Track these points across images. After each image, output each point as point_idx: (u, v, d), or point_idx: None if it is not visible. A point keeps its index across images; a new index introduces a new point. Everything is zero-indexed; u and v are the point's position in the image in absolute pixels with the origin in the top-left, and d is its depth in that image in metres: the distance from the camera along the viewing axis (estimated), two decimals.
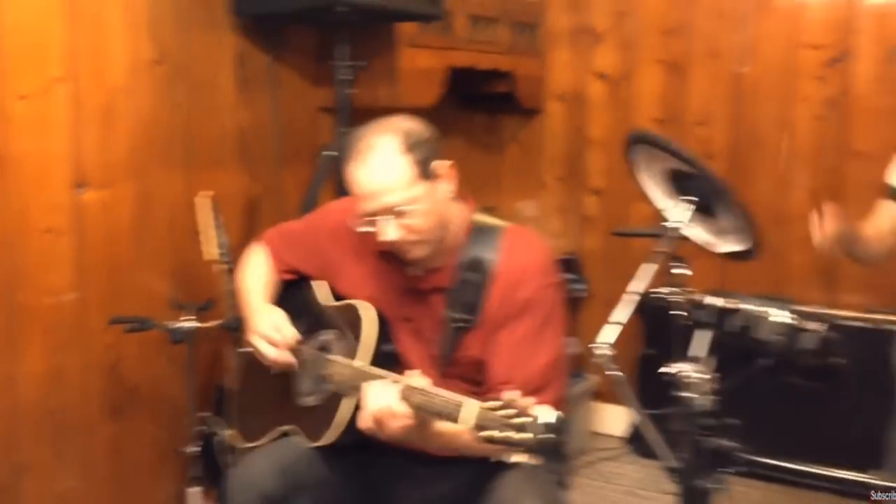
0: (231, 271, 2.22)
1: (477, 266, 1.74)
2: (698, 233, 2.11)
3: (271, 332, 1.81)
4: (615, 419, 3.50)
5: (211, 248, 2.25)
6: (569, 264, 3.57)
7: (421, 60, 2.90)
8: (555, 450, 1.34)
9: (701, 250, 3.10)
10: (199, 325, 2.23)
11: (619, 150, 3.47)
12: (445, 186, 1.74)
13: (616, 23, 3.51)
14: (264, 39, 2.73)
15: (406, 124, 1.72)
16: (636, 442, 3.39)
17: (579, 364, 3.54)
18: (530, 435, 1.34)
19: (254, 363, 1.94)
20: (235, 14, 2.61)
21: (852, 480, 1.82)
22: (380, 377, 1.63)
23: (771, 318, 1.87)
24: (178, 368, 2.39)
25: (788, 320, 1.88)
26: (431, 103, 3.00)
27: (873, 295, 3.07)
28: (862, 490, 1.84)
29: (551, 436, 1.34)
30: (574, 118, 3.65)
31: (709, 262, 3.35)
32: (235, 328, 2.10)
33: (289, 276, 2.00)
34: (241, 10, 2.61)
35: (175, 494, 2.49)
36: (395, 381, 1.59)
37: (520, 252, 1.77)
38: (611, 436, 3.55)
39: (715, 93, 3.34)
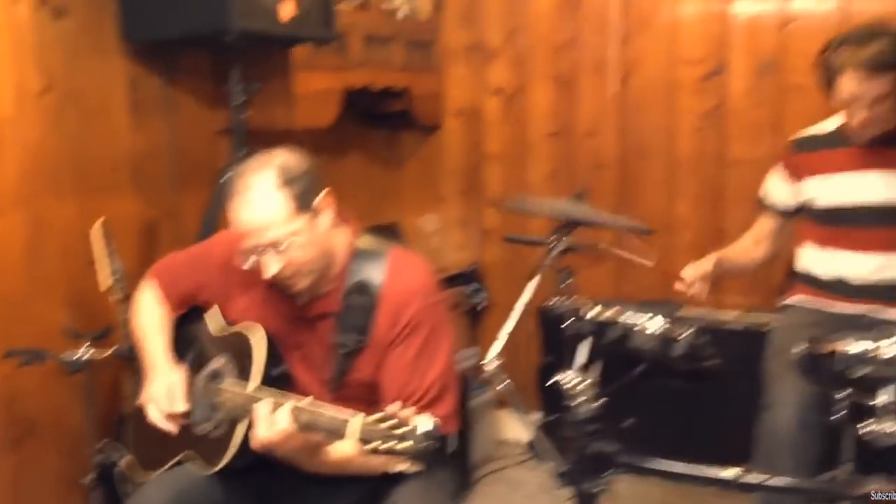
0: (126, 299, 2.23)
1: (363, 290, 1.81)
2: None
3: (163, 400, 1.86)
4: (520, 427, 3.61)
5: (104, 276, 2.26)
6: (470, 275, 3.69)
7: (316, 82, 2.95)
8: (435, 456, 1.43)
9: (595, 260, 3.26)
10: (94, 355, 2.23)
11: (516, 163, 3.64)
12: (325, 216, 1.80)
13: (508, 39, 3.63)
14: (157, 64, 2.73)
15: (282, 159, 1.76)
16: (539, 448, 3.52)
17: (483, 374, 3.65)
18: (411, 443, 1.42)
19: None
20: (126, 40, 2.62)
21: (726, 475, 1.94)
22: (269, 398, 1.68)
23: (644, 326, 1.99)
24: (78, 398, 2.38)
25: (660, 330, 1.99)
26: (329, 123, 3.07)
27: (754, 295, 3.27)
28: (736, 483, 1.97)
29: (430, 443, 1.42)
30: (471, 133, 3.76)
31: (604, 271, 3.54)
32: (130, 357, 2.12)
33: (181, 311, 2.03)
34: (132, 36, 2.62)
35: None
36: (282, 401, 1.64)
37: (404, 274, 1.84)
38: (516, 443, 3.67)
39: (603, 106, 3.50)
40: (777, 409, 2.27)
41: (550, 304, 2.25)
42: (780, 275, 2.89)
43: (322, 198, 1.79)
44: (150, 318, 2.02)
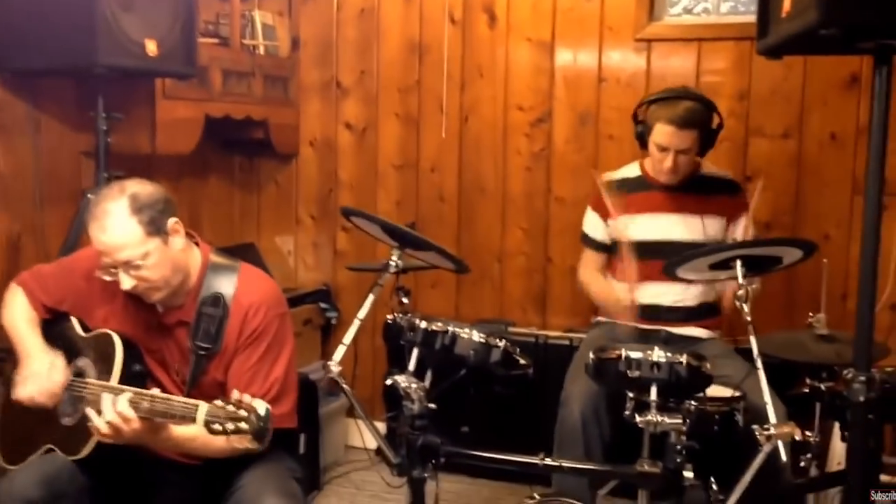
0: None
1: (216, 301, 2.07)
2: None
3: (44, 375, 2.03)
4: (367, 433, 3.87)
5: None
6: (322, 294, 3.95)
7: (178, 111, 3.16)
8: (276, 443, 1.71)
9: (439, 281, 3.60)
10: None
11: (366, 192, 3.93)
12: (177, 239, 2.05)
13: (359, 80, 3.94)
14: (23, 89, 2.88)
15: (135, 189, 2.00)
16: (384, 452, 3.81)
17: (333, 384, 3.90)
18: (252, 422, 1.70)
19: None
20: None
21: (532, 463, 2.27)
22: (123, 391, 1.90)
23: (464, 337, 2.32)
24: None
25: (477, 338, 2.33)
26: (190, 149, 3.28)
27: (574, 317, 3.69)
28: (540, 470, 2.29)
29: (265, 423, 1.71)
30: (325, 162, 4.04)
31: (446, 293, 3.88)
32: (2, 359, 2.28)
33: (46, 315, 2.22)
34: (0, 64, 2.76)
35: None
36: (124, 392, 1.85)
37: (252, 287, 2.12)
38: (364, 448, 3.93)
39: (444, 144, 3.84)
40: (568, 405, 2.67)
41: (391, 319, 2.54)
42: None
43: (172, 223, 2.03)
44: (23, 315, 2.20)
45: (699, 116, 2.77)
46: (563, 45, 3.66)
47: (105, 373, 2.03)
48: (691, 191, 2.90)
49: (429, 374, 2.38)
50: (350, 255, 4.01)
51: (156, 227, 1.99)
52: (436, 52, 3.81)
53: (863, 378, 1.75)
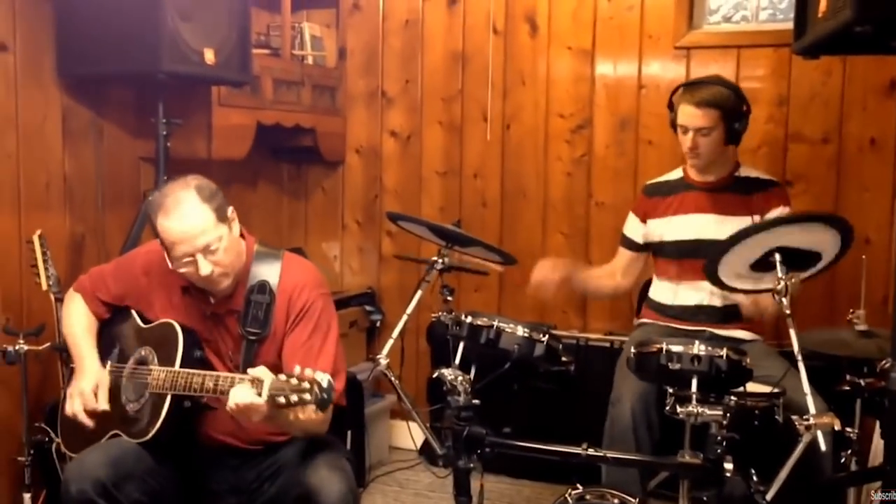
0: (59, 300, 2.52)
1: (263, 289, 2.19)
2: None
3: (89, 396, 2.17)
4: (411, 433, 3.94)
5: (44, 279, 2.55)
6: (367, 297, 4.06)
7: (232, 118, 3.29)
8: (328, 404, 1.83)
9: (482, 285, 3.67)
10: (31, 348, 2.50)
11: (411, 198, 4.03)
12: (235, 226, 2.18)
13: (404, 89, 4.05)
14: (87, 97, 3.04)
15: (197, 181, 2.13)
16: (427, 453, 3.88)
17: (378, 385, 4.01)
18: (314, 394, 1.81)
19: None
20: (60, 74, 2.91)
21: (575, 454, 2.31)
22: (195, 374, 2.03)
23: (509, 331, 2.39)
24: (10, 387, 2.64)
25: (522, 333, 2.40)
26: (243, 155, 3.40)
27: (615, 321, 3.75)
28: (583, 461, 2.34)
29: (328, 393, 1.82)
30: (371, 169, 4.15)
31: (488, 296, 3.95)
32: (64, 349, 2.41)
33: (106, 315, 2.35)
34: (65, 71, 2.91)
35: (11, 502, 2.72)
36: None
37: (294, 272, 2.24)
38: (407, 449, 4.01)
39: (487, 150, 3.94)
40: (619, 405, 2.72)
41: (436, 317, 2.62)
42: (636, 302, 3.35)
43: (231, 211, 2.17)
44: (79, 323, 2.33)
45: (719, 97, 2.83)
46: (603, 53, 3.73)
47: (167, 360, 2.14)
48: (731, 191, 2.95)
49: (473, 371, 2.46)
50: (395, 260, 4.10)
51: (223, 214, 2.12)
52: (478, 61, 3.91)
53: None
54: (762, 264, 2.20)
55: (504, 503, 3.45)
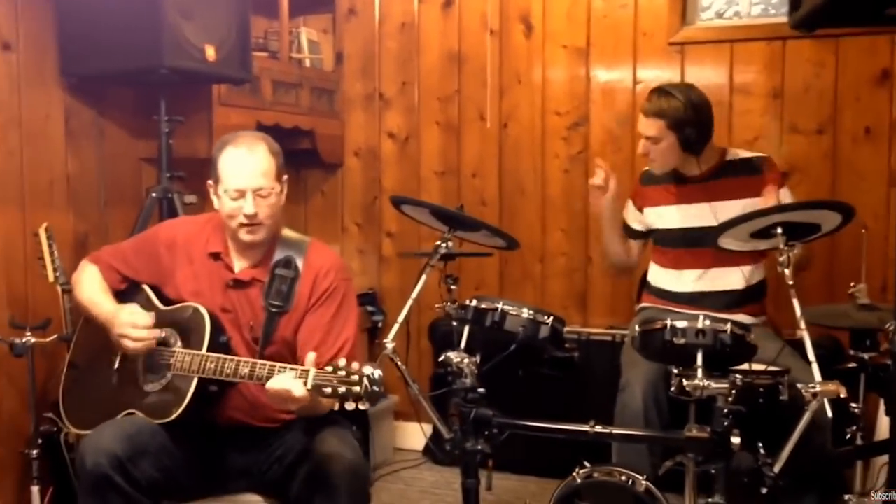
0: (66, 292, 2.53)
1: (288, 263, 2.23)
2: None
3: (131, 323, 2.17)
4: (414, 435, 3.94)
5: (50, 271, 2.56)
6: (369, 298, 4.06)
7: (232, 117, 3.31)
8: (378, 398, 1.88)
9: (483, 282, 3.67)
10: (38, 340, 2.51)
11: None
12: (284, 193, 2.26)
13: (401, 90, 4.09)
14: (89, 96, 3.07)
15: (266, 138, 2.25)
16: (431, 453, 3.89)
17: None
18: (364, 387, 1.86)
19: (88, 368, 2.27)
20: (63, 74, 2.94)
21: (582, 431, 2.31)
22: (226, 359, 2.06)
23: (514, 313, 2.41)
24: (16, 384, 2.64)
25: (527, 315, 2.41)
26: None
27: (615, 316, 3.77)
28: (591, 438, 2.33)
29: (378, 388, 1.87)
30: (369, 171, 4.18)
31: (489, 293, 3.95)
32: (70, 339, 2.42)
33: (121, 285, 2.36)
34: (67, 70, 2.94)
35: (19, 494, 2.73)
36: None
37: (321, 255, 2.29)
38: (411, 450, 4.02)
39: (484, 150, 3.97)
40: (628, 389, 2.73)
41: (440, 307, 2.63)
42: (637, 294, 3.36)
43: (286, 178, 2.27)
44: (93, 286, 2.34)
45: (665, 108, 2.89)
46: (598, 51, 3.78)
47: (192, 343, 2.16)
48: (720, 177, 2.98)
49: (478, 358, 2.46)
50: (395, 261, 4.13)
51: (281, 173, 2.25)
52: (474, 61, 3.95)
53: None
54: (762, 233, 2.23)
55: (511, 497, 3.44)
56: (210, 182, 2.26)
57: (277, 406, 2.03)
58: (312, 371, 1.91)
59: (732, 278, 2.97)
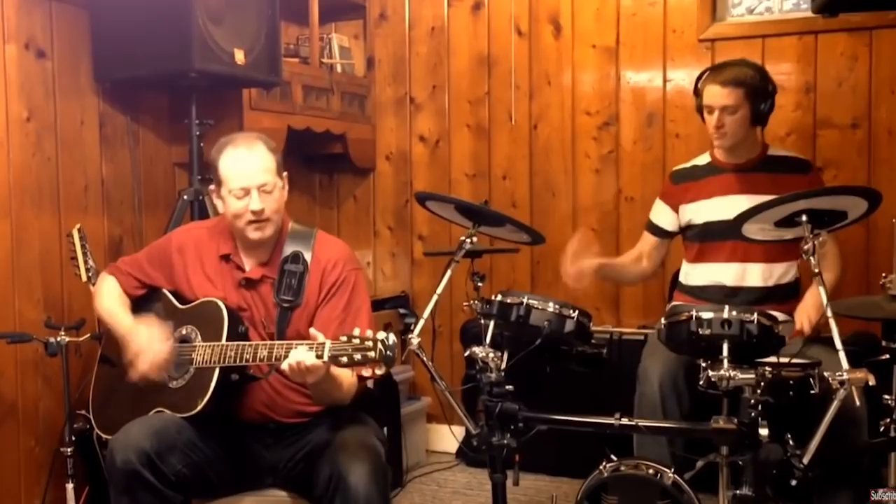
0: None
1: (296, 259, 2.27)
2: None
3: (147, 348, 2.18)
4: (447, 437, 3.93)
5: (83, 271, 2.62)
6: (401, 300, 4.08)
7: (263, 122, 3.35)
8: (392, 362, 1.90)
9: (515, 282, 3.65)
10: (71, 340, 2.57)
11: None
12: (285, 189, 2.29)
13: (431, 94, 4.12)
14: (122, 102, 3.14)
15: (262, 137, 2.30)
16: (464, 455, 3.88)
17: (414, 387, 4.03)
18: (378, 351, 1.89)
19: (116, 370, 2.32)
20: (97, 80, 3.02)
21: (608, 424, 2.29)
22: (244, 345, 2.09)
23: (539, 307, 2.40)
24: (51, 383, 2.70)
25: (552, 308, 2.41)
26: None
27: (647, 316, 3.73)
28: (616, 431, 2.31)
29: (391, 352, 1.90)
30: (401, 175, 4.20)
31: (523, 285, 3.95)
32: (101, 337, 2.47)
33: (139, 291, 2.40)
34: (101, 76, 3.01)
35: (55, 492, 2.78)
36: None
37: (328, 247, 2.33)
38: (443, 452, 4.01)
39: (514, 151, 3.97)
40: (645, 379, 2.71)
41: (467, 305, 2.63)
42: (668, 294, 3.33)
43: (285, 175, 2.31)
44: (112, 299, 2.38)
45: (743, 77, 2.85)
46: (627, 50, 3.77)
47: (211, 336, 2.19)
48: (760, 171, 2.94)
49: (505, 355, 2.46)
50: (427, 264, 4.14)
51: (280, 169, 2.28)
52: (504, 63, 3.96)
53: None
54: (787, 221, 2.20)
55: (542, 497, 3.42)
56: (212, 187, 2.31)
57: (297, 380, 2.05)
58: (328, 343, 1.94)
59: (766, 274, 2.93)
